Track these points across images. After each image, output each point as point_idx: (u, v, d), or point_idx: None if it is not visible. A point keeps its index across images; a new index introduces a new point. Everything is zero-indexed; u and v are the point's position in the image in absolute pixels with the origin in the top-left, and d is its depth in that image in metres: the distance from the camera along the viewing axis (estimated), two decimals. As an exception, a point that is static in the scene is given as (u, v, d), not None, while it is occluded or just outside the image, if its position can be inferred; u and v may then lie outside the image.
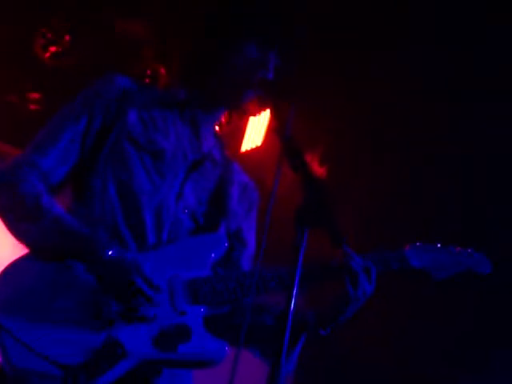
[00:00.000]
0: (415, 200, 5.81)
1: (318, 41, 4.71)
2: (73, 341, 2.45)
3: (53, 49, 5.38)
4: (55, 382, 2.41)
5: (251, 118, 6.03)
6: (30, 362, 2.41)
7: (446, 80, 5.13)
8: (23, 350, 2.41)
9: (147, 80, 5.34)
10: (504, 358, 5.64)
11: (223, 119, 2.99)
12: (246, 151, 6.18)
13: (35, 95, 5.72)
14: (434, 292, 5.36)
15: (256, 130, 6.13)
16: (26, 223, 2.59)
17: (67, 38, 5.38)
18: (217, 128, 3.02)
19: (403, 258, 2.81)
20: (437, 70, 5.08)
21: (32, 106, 5.74)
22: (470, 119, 5.20)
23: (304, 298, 2.48)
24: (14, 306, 2.48)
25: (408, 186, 5.80)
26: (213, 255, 2.73)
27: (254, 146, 6.20)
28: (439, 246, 2.87)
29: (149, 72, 5.39)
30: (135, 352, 2.49)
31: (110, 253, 2.52)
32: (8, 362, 2.42)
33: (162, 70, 5.33)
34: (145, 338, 2.52)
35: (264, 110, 5.68)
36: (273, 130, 2.58)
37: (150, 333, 2.53)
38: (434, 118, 5.37)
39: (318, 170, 5.66)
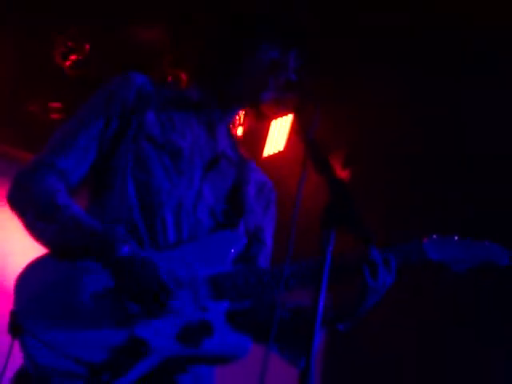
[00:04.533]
0: (439, 198, 5.79)
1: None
2: (95, 339, 2.45)
3: (73, 57, 5.39)
4: (79, 380, 2.41)
5: (273, 123, 6.02)
6: (53, 361, 2.41)
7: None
8: (46, 349, 2.41)
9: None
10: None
11: (238, 120, 2.99)
12: (269, 156, 6.17)
13: (56, 104, 5.74)
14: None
15: (278, 135, 6.11)
16: (43, 222, 2.58)
17: (87, 46, 5.39)
18: (238, 130, 3.02)
19: (421, 251, 2.78)
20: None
21: (53, 116, 5.76)
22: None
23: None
24: (33, 306, 2.48)
25: (432, 181, 5.79)
26: (232, 251, 2.72)
27: (276, 151, 6.19)
28: (456, 238, 2.85)
29: (169, 78, 5.39)
30: (159, 348, 2.48)
31: (125, 249, 2.50)
32: (32, 361, 2.42)
33: (183, 76, 5.33)
34: (168, 334, 2.51)
35: (286, 113, 5.69)
36: (296, 132, 2.57)
37: (173, 329, 2.52)
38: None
39: (341, 173, 5.65)
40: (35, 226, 2.61)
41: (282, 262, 2.66)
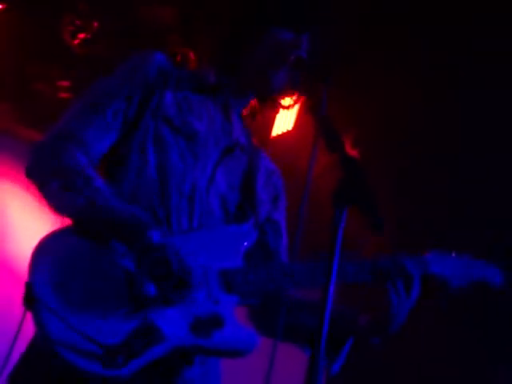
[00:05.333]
0: (447, 185, 5.77)
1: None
2: (110, 320, 2.43)
3: (81, 36, 5.37)
4: (92, 360, 2.38)
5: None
6: (66, 336, 2.38)
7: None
8: (62, 325, 2.38)
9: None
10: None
11: (251, 108, 2.97)
12: (277, 136, 6.14)
13: (65, 83, 5.73)
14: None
15: (286, 115, 6.09)
16: (71, 194, 2.52)
17: (96, 24, 5.36)
18: (250, 117, 3.00)
19: (424, 263, 2.77)
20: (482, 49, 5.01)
21: (62, 94, 5.74)
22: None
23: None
24: (50, 279, 2.44)
25: (438, 168, 5.76)
26: (244, 245, 2.71)
27: (284, 131, 6.17)
28: (454, 254, 2.84)
29: (178, 57, 5.36)
30: (172, 336, 2.47)
31: (153, 236, 2.47)
32: (46, 337, 2.38)
33: (192, 55, 5.31)
34: (181, 322, 2.49)
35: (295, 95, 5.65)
36: (307, 109, 2.55)
37: (186, 318, 2.50)
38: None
39: (351, 152, 5.61)
40: (58, 198, 2.56)
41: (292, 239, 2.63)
